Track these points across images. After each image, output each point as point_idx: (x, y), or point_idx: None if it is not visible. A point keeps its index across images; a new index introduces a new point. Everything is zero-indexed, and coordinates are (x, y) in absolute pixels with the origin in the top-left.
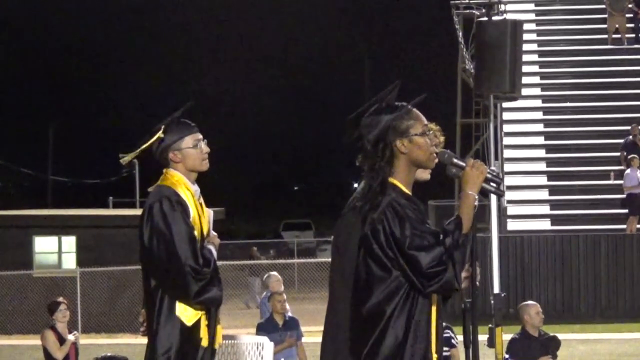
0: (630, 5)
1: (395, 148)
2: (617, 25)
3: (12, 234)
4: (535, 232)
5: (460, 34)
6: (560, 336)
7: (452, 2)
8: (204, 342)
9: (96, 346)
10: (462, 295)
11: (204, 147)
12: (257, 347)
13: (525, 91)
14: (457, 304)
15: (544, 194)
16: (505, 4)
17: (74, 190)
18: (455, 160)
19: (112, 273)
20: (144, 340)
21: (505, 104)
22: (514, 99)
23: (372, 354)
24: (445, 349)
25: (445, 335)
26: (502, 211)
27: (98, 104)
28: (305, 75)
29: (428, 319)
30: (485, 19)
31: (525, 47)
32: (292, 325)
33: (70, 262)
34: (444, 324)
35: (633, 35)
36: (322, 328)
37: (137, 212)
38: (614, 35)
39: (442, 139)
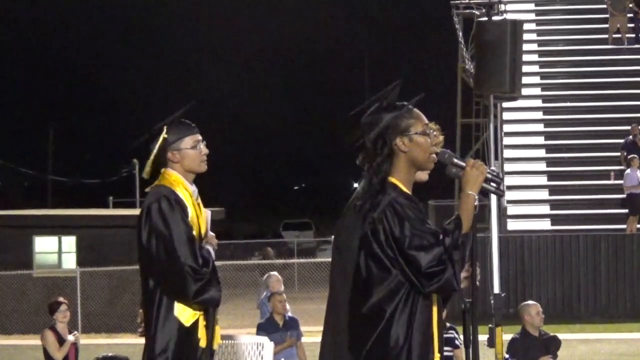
0: (631, 5)
1: (396, 147)
2: (618, 25)
3: (12, 234)
4: (535, 232)
5: (460, 33)
6: (560, 336)
7: (452, 2)
8: (202, 343)
9: (96, 346)
10: (462, 295)
11: (203, 148)
12: (257, 347)
13: (525, 91)
14: (457, 304)
15: (544, 194)
16: (505, 4)
17: (74, 190)
18: (455, 160)
19: (112, 273)
20: (143, 340)
21: (505, 104)
22: (514, 99)
23: (372, 354)
24: (448, 349)
25: (449, 335)
26: (502, 211)
27: (98, 104)
28: (305, 75)
29: (429, 318)
30: (485, 18)
31: (525, 47)
32: (292, 325)
33: (70, 262)
34: (448, 324)
35: (633, 35)
36: (322, 328)
37: (138, 212)
38: (614, 35)
39: (441, 138)
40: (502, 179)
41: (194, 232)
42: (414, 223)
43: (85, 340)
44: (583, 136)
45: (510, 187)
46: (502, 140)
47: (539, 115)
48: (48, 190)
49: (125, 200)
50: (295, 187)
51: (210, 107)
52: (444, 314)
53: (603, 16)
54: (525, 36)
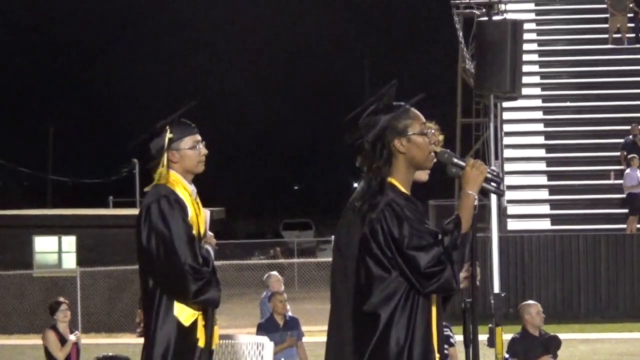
0: (631, 5)
1: (394, 148)
2: (618, 25)
3: (12, 234)
4: (535, 232)
5: (461, 33)
6: (560, 336)
7: (453, 2)
8: (201, 343)
9: (96, 346)
10: (462, 295)
11: (202, 149)
12: (257, 347)
13: (525, 91)
14: (457, 304)
15: (544, 194)
16: (505, 3)
17: (74, 190)
18: (455, 160)
19: (112, 273)
20: (143, 340)
21: (505, 104)
22: (514, 99)
23: (375, 354)
24: (444, 347)
25: (445, 333)
26: (502, 211)
27: (98, 104)
28: (306, 75)
29: (429, 318)
30: (486, 18)
31: (525, 47)
32: (292, 325)
33: (70, 262)
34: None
35: (633, 35)
36: (322, 328)
37: (137, 211)
38: (614, 35)
39: (441, 137)
40: (502, 179)
41: (194, 232)
42: (412, 223)
43: (85, 340)
44: (583, 136)
45: (510, 187)
46: (502, 140)
47: (539, 115)
48: (48, 190)
49: (125, 200)
50: (295, 187)
51: (210, 107)
52: None
53: (603, 16)
54: (525, 36)
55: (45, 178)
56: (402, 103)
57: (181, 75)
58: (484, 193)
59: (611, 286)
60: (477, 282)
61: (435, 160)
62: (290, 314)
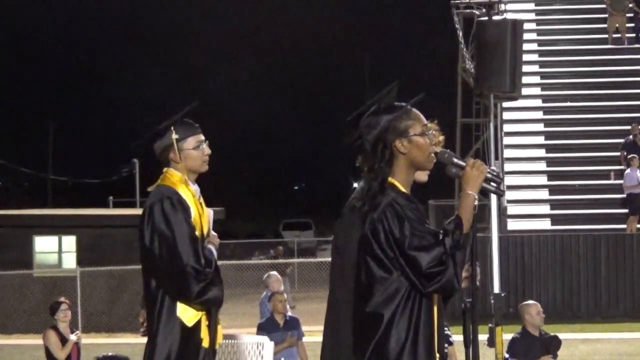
0: (630, 5)
1: (395, 148)
2: (617, 25)
3: (12, 234)
4: (535, 232)
5: (461, 33)
6: (560, 336)
7: (452, 1)
8: (205, 343)
9: (96, 346)
10: (462, 295)
11: (205, 148)
12: (258, 347)
13: (525, 91)
14: (457, 304)
15: (544, 194)
16: (505, 3)
17: (74, 190)
18: (455, 160)
19: (112, 273)
20: (144, 339)
21: (505, 104)
22: (514, 99)
23: (375, 354)
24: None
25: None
26: (502, 211)
27: (98, 103)
28: (305, 75)
29: (430, 318)
30: (486, 18)
31: (525, 47)
32: (292, 324)
33: (70, 261)
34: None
35: (633, 35)
36: (322, 328)
37: (138, 211)
38: (614, 35)
39: (441, 137)
40: (502, 179)
41: (197, 232)
42: (413, 223)
43: (85, 340)
44: (583, 136)
45: (510, 187)
46: (502, 140)
47: (539, 115)
48: (48, 190)
49: (125, 200)
50: (295, 187)
51: (211, 107)
52: None
53: (603, 16)
54: (525, 36)
55: (45, 178)
56: (403, 104)
57: (182, 75)
58: (484, 193)
59: (611, 286)
60: (477, 282)
61: (435, 161)
62: (290, 313)
